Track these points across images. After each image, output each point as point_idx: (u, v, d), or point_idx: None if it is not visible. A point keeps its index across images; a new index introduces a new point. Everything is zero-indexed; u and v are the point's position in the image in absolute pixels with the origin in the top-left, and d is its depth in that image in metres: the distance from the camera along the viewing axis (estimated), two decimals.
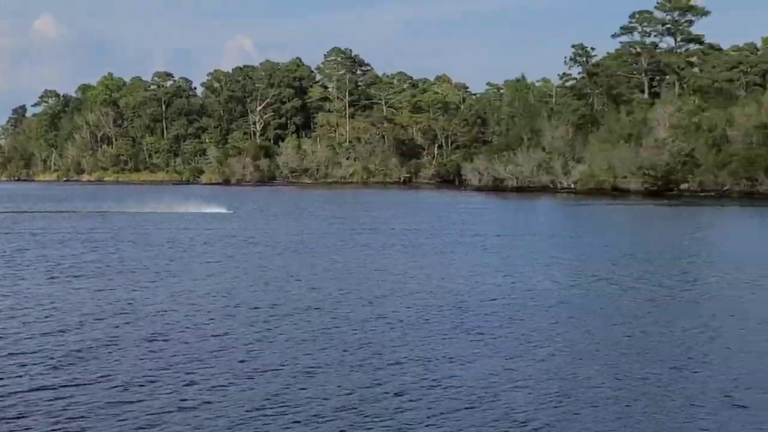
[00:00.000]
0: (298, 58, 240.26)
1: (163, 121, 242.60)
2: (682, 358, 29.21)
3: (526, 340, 31.89)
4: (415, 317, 36.17)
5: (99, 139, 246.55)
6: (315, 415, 23.20)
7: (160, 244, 65.03)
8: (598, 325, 34.83)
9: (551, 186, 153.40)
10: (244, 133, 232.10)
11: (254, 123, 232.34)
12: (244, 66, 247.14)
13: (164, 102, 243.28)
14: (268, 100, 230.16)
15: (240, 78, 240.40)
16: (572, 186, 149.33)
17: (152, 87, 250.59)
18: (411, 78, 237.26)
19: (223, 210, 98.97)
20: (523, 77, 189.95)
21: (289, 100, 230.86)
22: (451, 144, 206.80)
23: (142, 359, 28.27)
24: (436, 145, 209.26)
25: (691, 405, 24.12)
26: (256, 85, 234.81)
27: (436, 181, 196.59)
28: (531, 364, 28.40)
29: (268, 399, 24.51)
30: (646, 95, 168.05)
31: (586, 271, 50.49)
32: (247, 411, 23.29)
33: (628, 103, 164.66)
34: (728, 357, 29.43)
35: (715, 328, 34.22)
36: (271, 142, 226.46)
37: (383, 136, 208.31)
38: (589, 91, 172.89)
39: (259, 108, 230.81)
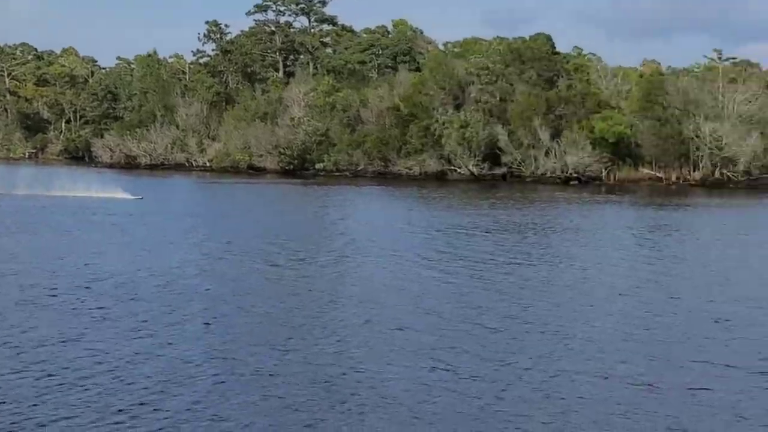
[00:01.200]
0: None
1: None
2: (295, 337, 29.28)
3: (140, 320, 30.96)
4: (28, 298, 34.07)
5: None
6: None
7: None
8: (220, 304, 34.04)
9: (186, 164, 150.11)
10: None
11: None
12: None
13: None
14: None
15: None
16: (207, 164, 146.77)
17: None
18: (35, 50, 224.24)
19: None
20: (155, 52, 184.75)
21: None
22: (80, 119, 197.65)
23: None
24: (64, 119, 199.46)
25: (293, 383, 24.18)
26: None
27: (65, 157, 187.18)
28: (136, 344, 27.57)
29: None
30: (281, 74, 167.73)
31: (217, 251, 49.35)
32: None
33: (263, 82, 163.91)
34: (340, 331, 30.23)
35: (341, 303, 35.09)
36: None
37: (6, 110, 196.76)
38: (223, 68, 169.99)
39: None
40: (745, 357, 27.83)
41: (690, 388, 24.52)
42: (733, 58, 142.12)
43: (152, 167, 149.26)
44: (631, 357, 27.54)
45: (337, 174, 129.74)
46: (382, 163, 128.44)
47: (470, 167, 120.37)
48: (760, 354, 28.26)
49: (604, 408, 22.80)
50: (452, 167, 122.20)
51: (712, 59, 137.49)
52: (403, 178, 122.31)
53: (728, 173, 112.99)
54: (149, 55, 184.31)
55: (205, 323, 30.79)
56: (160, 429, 20.59)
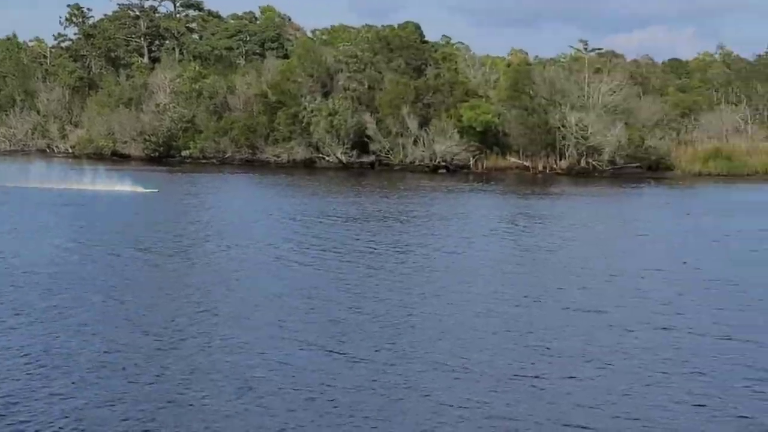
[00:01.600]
0: None
1: None
2: (134, 329, 28.61)
3: None
4: None
5: None
6: None
7: None
8: (58, 296, 32.79)
9: (47, 150, 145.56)
10: None
11: None
12: None
13: None
14: None
15: None
16: (70, 150, 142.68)
17: None
18: None
19: None
20: (15, 36, 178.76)
21: None
22: None
23: None
24: None
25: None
26: None
27: None
28: None
29: None
30: (146, 60, 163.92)
31: (66, 240, 47.71)
32: None
33: (127, 67, 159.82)
34: (180, 321, 29.59)
35: (186, 292, 34.15)
36: None
37: None
38: (86, 53, 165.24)
39: None
40: (591, 345, 27.53)
41: (524, 375, 24.26)
42: (599, 49, 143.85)
43: (11, 153, 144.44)
44: (470, 346, 27.12)
45: (203, 161, 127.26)
46: (250, 151, 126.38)
47: (339, 155, 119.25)
48: (608, 342, 28.01)
49: (435, 398, 22.27)
50: (321, 155, 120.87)
51: (578, 50, 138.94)
52: (271, 166, 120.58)
53: (593, 162, 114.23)
54: (8, 39, 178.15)
55: (41, 314, 29.71)
56: None
